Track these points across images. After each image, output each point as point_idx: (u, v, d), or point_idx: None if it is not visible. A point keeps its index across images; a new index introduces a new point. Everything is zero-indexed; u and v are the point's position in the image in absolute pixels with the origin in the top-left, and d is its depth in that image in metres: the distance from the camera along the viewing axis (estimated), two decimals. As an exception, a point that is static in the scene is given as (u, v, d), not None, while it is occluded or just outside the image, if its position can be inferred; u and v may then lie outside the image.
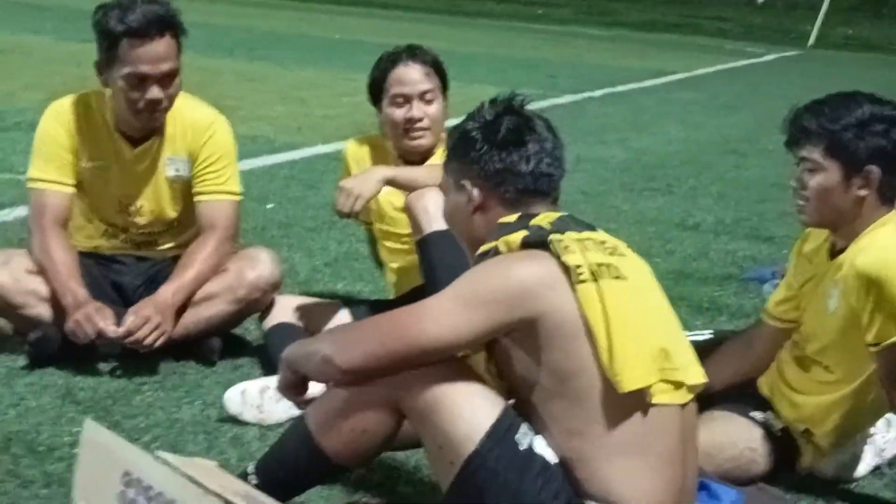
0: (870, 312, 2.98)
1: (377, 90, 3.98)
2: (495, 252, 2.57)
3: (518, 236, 2.55)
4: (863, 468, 3.37)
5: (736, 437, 3.19)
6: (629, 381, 2.43)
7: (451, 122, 4.17)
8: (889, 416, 3.34)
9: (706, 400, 3.22)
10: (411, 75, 3.92)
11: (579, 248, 2.51)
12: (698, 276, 5.50)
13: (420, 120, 3.91)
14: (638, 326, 2.48)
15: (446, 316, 2.47)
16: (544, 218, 2.59)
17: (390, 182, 3.77)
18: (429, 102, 3.92)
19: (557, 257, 2.49)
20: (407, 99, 3.91)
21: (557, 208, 2.68)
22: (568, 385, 2.46)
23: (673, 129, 10.63)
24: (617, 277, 2.50)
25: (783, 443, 3.22)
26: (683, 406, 2.54)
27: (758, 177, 8.32)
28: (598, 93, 12.81)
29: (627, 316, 2.47)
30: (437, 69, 3.98)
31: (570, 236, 2.53)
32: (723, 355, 3.40)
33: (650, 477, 2.46)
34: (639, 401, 2.45)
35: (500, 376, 2.59)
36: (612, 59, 17.80)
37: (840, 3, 28.36)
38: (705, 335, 3.63)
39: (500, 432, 2.46)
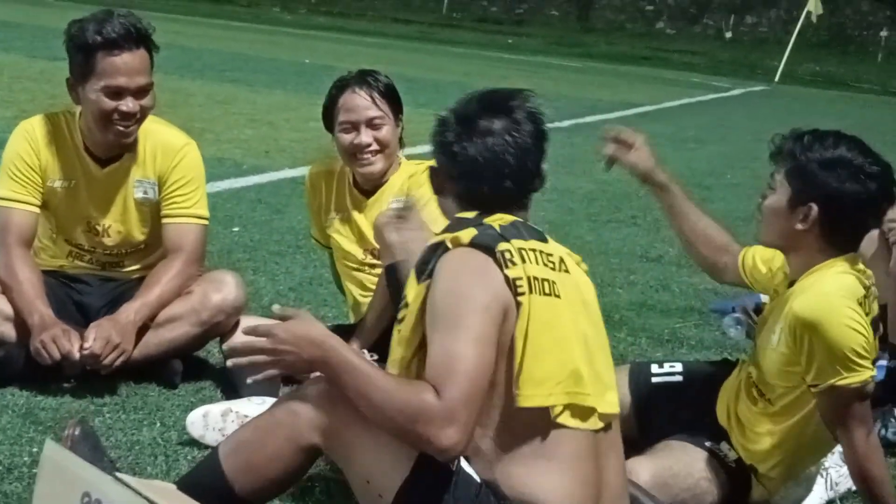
0: (807, 355, 3.01)
1: (329, 117, 4.01)
2: (444, 249, 2.54)
3: (467, 235, 2.53)
4: (816, 501, 3.40)
5: (691, 468, 3.20)
6: (528, 398, 2.46)
7: (415, 149, 4.24)
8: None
9: (664, 428, 3.27)
10: (357, 102, 3.93)
11: (520, 258, 2.51)
12: (660, 308, 5.54)
13: (368, 146, 3.92)
14: (554, 346, 2.49)
15: (464, 345, 2.40)
16: (497, 219, 2.58)
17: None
18: (377, 128, 3.92)
19: (501, 268, 2.48)
20: (354, 125, 3.92)
21: (524, 212, 2.66)
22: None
23: (639, 161, 10.65)
24: (548, 294, 2.50)
25: (737, 474, 3.24)
26: (596, 432, 2.54)
27: (723, 210, 8.29)
28: (565, 123, 12.84)
29: (546, 335, 2.48)
30: (389, 94, 3.98)
31: (515, 244, 2.53)
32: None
33: (562, 477, 2.46)
34: (544, 418, 2.47)
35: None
36: (580, 91, 17.88)
37: (807, 39, 28.64)
38: (676, 367, 3.62)
39: (431, 456, 2.42)
